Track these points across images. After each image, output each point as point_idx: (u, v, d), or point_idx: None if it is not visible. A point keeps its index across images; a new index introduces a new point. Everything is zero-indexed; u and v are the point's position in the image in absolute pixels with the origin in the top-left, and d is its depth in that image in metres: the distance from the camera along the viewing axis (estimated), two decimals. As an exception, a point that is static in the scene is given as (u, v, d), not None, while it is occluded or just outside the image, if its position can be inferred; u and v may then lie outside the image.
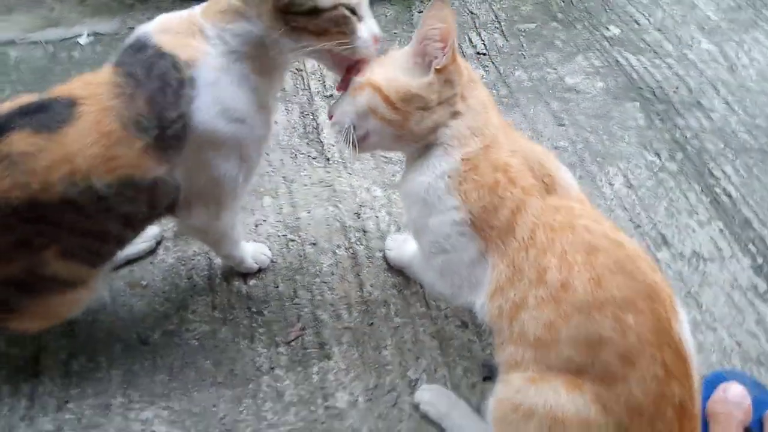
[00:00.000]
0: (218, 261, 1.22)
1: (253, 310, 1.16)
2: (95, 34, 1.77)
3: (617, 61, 1.74)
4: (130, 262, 1.21)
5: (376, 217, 1.32)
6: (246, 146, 0.93)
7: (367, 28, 0.87)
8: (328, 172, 1.41)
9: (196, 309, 1.16)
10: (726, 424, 0.93)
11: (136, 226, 0.96)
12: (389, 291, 1.19)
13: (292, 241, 1.28)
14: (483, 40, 1.80)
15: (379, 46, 0.89)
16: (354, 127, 0.86)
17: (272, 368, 1.08)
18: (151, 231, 1.23)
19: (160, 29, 0.87)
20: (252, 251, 1.19)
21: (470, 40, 1.80)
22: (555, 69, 1.71)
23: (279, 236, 1.28)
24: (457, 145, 0.83)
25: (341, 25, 0.84)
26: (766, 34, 1.85)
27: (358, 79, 0.86)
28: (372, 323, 1.14)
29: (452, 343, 1.11)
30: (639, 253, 0.78)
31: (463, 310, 1.13)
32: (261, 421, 1.01)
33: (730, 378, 0.99)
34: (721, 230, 1.31)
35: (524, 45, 1.79)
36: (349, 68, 0.91)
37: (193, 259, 1.24)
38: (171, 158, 0.86)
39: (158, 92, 0.82)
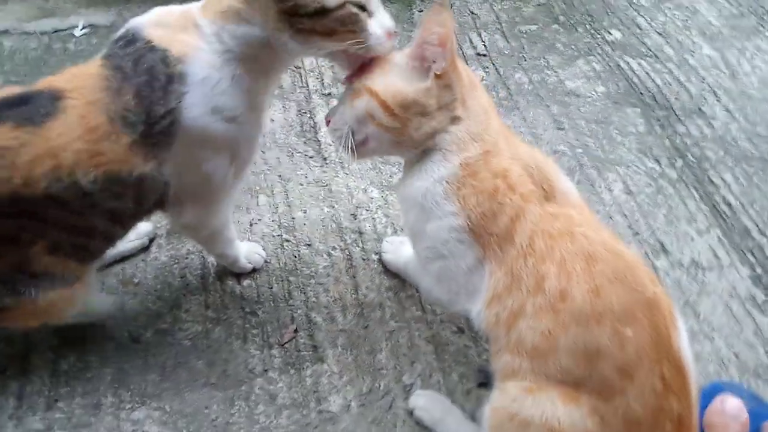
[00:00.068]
0: (212, 260, 1.21)
1: (247, 310, 1.15)
2: (91, 25, 1.74)
3: (618, 65, 1.73)
4: (123, 259, 1.20)
5: (373, 218, 1.31)
6: (236, 145, 0.91)
7: (378, 23, 0.83)
8: (325, 172, 1.40)
9: (189, 308, 1.15)
10: (722, 437, 0.92)
11: (124, 223, 0.94)
12: (385, 294, 1.18)
13: (287, 241, 1.26)
14: (483, 41, 1.79)
15: (395, 40, 0.85)
16: (352, 133, 0.85)
17: (265, 370, 1.07)
18: (144, 228, 1.21)
19: (153, 22, 0.85)
20: (246, 251, 1.18)
21: (471, 41, 1.79)
22: (555, 72, 1.70)
23: (274, 236, 1.27)
24: (456, 150, 0.81)
25: (350, 24, 0.81)
26: None
27: (356, 84, 0.84)
28: (367, 326, 1.13)
29: (448, 348, 1.10)
30: (638, 263, 0.77)
31: (459, 315, 1.12)
32: (253, 424, 1.00)
33: (728, 389, 0.98)
34: (720, 239, 1.31)
35: (525, 47, 1.78)
36: (362, 65, 0.87)
37: (186, 258, 1.22)
38: (159, 155, 0.84)
39: (146, 87, 0.80)
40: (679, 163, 1.47)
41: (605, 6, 1.96)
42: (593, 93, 1.65)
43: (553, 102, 1.61)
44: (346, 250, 1.25)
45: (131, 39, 0.83)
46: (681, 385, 0.71)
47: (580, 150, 1.49)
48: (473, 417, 0.99)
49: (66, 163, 0.79)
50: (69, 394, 1.02)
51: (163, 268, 1.20)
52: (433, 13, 0.76)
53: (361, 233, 1.28)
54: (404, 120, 0.81)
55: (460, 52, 1.72)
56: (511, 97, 1.61)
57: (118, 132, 0.80)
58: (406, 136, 0.82)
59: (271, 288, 1.18)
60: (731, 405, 0.95)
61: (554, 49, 1.78)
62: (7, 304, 0.91)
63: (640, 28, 1.87)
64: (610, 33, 1.85)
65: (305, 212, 1.31)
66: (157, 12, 0.87)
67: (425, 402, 1.01)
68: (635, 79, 1.69)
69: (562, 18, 1.90)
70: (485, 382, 1.04)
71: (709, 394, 0.99)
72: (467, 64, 1.63)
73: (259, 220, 1.30)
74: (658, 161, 1.47)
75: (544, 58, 1.75)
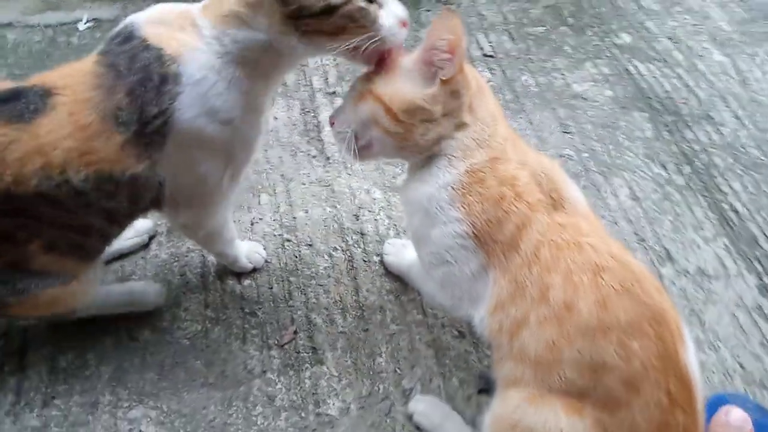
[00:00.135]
0: (212, 259, 1.20)
1: (246, 310, 1.14)
2: (95, 19, 1.74)
3: (627, 69, 1.72)
4: (122, 256, 1.19)
5: (375, 220, 1.29)
6: (232, 148, 0.88)
7: (389, 13, 0.80)
8: (328, 172, 1.38)
9: (189, 307, 1.14)
10: (727, 448, 0.91)
11: (120, 221, 0.93)
12: (386, 297, 1.17)
13: (288, 241, 1.25)
14: (491, 42, 1.77)
15: (408, 29, 0.82)
16: (356, 136, 0.83)
17: (264, 371, 1.06)
18: (144, 225, 1.21)
19: (152, 20, 0.83)
20: (246, 250, 1.17)
21: (477, 42, 1.77)
22: (563, 75, 1.69)
23: (275, 236, 1.26)
24: (462, 156, 0.80)
25: (360, 19, 0.77)
26: (778, 47, 1.83)
27: (361, 87, 0.83)
28: (367, 329, 1.12)
29: (449, 353, 1.09)
30: (646, 274, 0.75)
31: (461, 320, 1.10)
32: (251, 426, 0.99)
33: (733, 401, 0.97)
34: (727, 247, 1.29)
35: (532, 49, 1.76)
36: (380, 59, 0.83)
37: (186, 256, 1.21)
38: (152, 155, 0.82)
39: (139, 86, 0.78)
40: (687, 169, 1.45)
41: (614, 9, 1.94)
42: (601, 97, 1.63)
43: (559, 105, 1.59)
44: (348, 252, 1.24)
45: (128, 36, 0.81)
46: (687, 399, 0.69)
47: (586, 154, 1.47)
48: (473, 423, 0.97)
49: (56, 161, 0.78)
50: (66, 392, 1.01)
51: (163, 266, 1.19)
52: (443, 18, 0.74)
53: (363, 234, 1.26)
54: (409, 126, 0.79)
55: (467, 53, 1.70)
56: (517, 100, 1.60)
57: (110, 131, 0.79)
58: (410, 141, 0.81)
59: (272, 288, 1.17)
60: (735, 416, 0.94)
61: (562, 51, 1.77)
62: (9, 303, 0.90)
63: (650, 32, 1.85)
64: (619, 36, 1.83)
65: (307, 212, 1.30)
66: (159, 9, 0.85)
67: (425, 407, 1.00)
68: (643, 84, 1.67)
69: (570, 20, 1.88)
70: (486, 388, 1.02)
71: (714, 406, 0.98)
72: (473, 65, 1.62)
73: (261, 219, 1.29)
74: (665, 167, 1.45)
75: (551, 60, 1.73)
